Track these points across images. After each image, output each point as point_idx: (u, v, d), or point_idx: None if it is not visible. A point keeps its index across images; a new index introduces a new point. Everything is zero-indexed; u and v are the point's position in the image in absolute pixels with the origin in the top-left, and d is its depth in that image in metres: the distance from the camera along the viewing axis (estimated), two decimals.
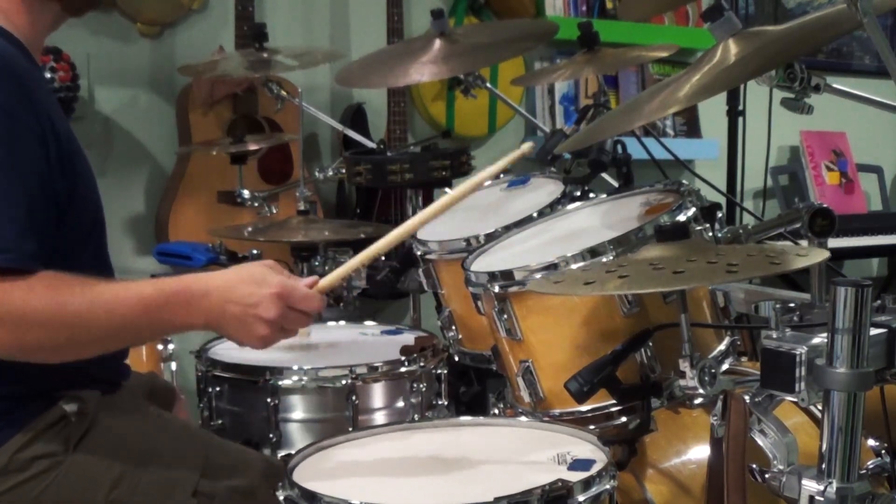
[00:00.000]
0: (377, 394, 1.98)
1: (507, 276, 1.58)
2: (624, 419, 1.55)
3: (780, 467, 1.28)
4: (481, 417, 1.68)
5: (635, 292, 1.48)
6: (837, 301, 1.13)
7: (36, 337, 1.36)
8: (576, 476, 1.32)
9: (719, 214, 1.63)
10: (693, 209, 1.59)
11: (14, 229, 1.36)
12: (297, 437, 1.93)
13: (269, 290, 1.41)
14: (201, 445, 1.62)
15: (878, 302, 1.30)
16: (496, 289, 1.59)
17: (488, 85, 2.56)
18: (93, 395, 1.54)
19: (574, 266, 1.52)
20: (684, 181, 1.76)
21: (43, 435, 1.49)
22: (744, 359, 1.78)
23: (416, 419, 1.96)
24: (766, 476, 1.28)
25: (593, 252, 1.52)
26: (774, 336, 1.21)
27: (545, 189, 2.01)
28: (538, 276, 1.54)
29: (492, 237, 1.83)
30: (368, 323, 2.39)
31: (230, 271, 1.47)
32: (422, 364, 2.00)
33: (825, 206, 1.67)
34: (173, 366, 2.38)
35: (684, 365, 1.38)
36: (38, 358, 1.41)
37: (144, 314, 1.41)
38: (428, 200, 2.49)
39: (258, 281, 1.42)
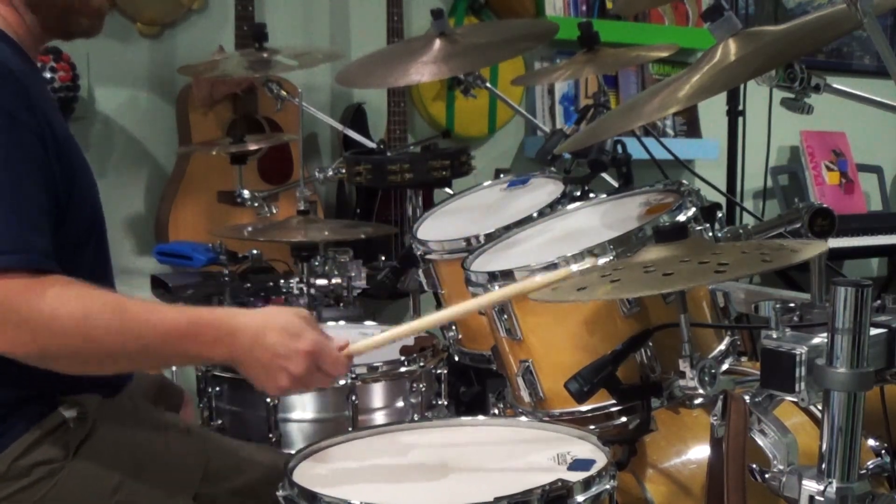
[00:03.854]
0: (377, 394, 1.98)
1: (507, 276, 1.58)
2: (624, 419, 1.55)
3: (780, 467, 1.28)
4: (481, 417, 1.68)
5: (623, 297, 1.48)
6: (837, 301, 1.13)
7: (55, 345, 1.34)
8: (576, 476, 1.32)
9: (719, 214, 1.63)
10: (693, 209, 1.58)
11: (27, 229, 1.35)
12: (297, 437, 1.93)
13: (302, 346, 1.39)
14: (202, 447, 1.61)
15: (878, 302, 1.30)
16: (496, 289, 1.59)
17: (488, 85, 2.56)
18: (92, 399, 1.54)
19: (574, 266, 1.51)
20: (684, 181, 1.76)
21: (43, 441, 1.48)
22: (744, 359, 1.78)
23: (416, 419, 1.96)
24: (766, 476, 1.28)
25: (593, 252, 1.52)
26: (774, 336, 1.21)
27: (545, 189, 2.01)
28: (538, 276, 1.54)
29: (492, 237, 1.82)
30: (368, 323, 2.39)
31: (265, 314, 1.44)
32: (421, 364, 2.00)
33: (825, 206, 1.67)
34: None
35: (684, 365, 1.38)
36: (56, 366, 1.39)
37: (170, 342, 1.39)
38: (428, 200, 2.49)
39: (293, 334, 1.40)
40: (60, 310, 1.33)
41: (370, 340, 1.51)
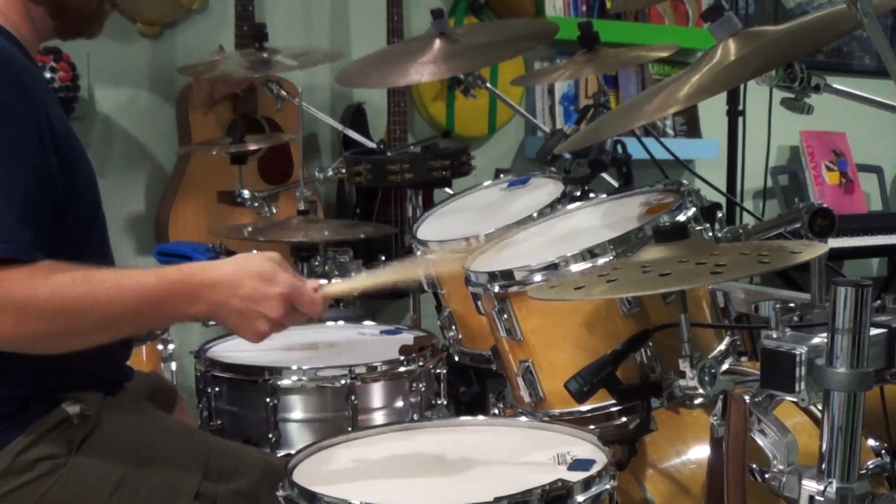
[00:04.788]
0: (376, 394, 1.98)
1: (507, 276, 1.58)
2: (624, 419, 1.55)
3: (780, 467, 1.28)
4: (481, 417, 1.68)
5: (620, 296, 1.48)
6: (837, 301, 1.13)
7: (36, 326, 1.35)
8: (576, 476, 1.32)
9: (719, 214, 1.63)
10: (693, 209, 1.58)
11: (12, 219, 1.36)
12: (297, 437, 1.93)
13: (277, 289, 1.41)
14: (203, 447, 1.61)
15: (878, 302, 1.30)
16: (496, 289, 1.59)
17: (488, 85, 2.56)
18: (95, 396, 1.54)
19: (574, 266, 1.51)
20: (684, 181, 1.76)
21: (45, 437, 1.48)
22: (744, 359, 1.78)
23: (416, 419, 1.96)
24: (766, 476, 1.28)
25: (593, 252, 1.52)
26: (774, 336, 1.21)
27: (545, 189, 2.01)
28: (538, 276, 1.54)
29: (492, 237, 1.82)
30: (368, 323, 2.39)
31: (237, 262, 1.45)
32: (421, 364, 2.00)
33: (825, 206, 1.67)
34: (173, 366, 2.39)
35: (684, 365, 1.38)
36: (38, 348, 1.40)
37: (146, 304, 1.41)
38: (428, 200, 2.49)
39: (267, 278, 1.42)
40: (32, 288, 1.34)
41: (345, 283, 1.55)
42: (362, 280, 1.53)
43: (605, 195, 1.88)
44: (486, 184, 2.19)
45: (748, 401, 1.35)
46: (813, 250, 1.30)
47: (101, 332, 1.43)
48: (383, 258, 2.63)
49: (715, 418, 1.36)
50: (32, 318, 1.35)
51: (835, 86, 1.44)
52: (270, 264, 1.44)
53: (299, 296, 1.43)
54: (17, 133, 1.39)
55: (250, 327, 1.43)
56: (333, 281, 1.53)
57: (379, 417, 1.98)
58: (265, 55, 2.62)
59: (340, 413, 1.92)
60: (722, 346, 1.60)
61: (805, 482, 1.20)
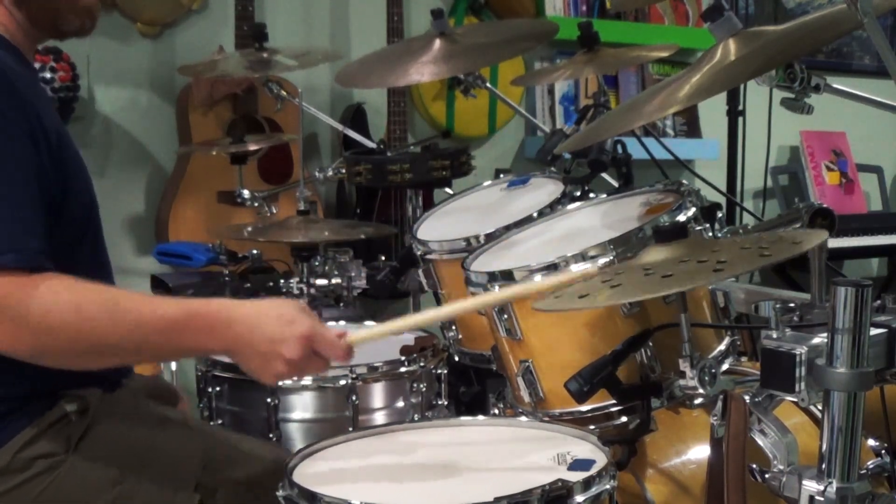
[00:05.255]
0: (377, 394, 1.98)
1: (507, 276, 1.58)
2: (624, 419, 1.55)
3: (780, 467, 1.28)
4: (481, 417, 1.68)
5: (624, 301, 1.47)
6: (837, 301, 1.13)
7: (54, 340, 1.35)
8: (576, 476, 1.32)
9: (719, 214, 1.63)
10: (693, 209, 1.58)
11: (20, 227, 1.36)
12: (297, 436, 1.93)
13: (297, 330, 1.39)
14: (201, 439, 1.62)
15: (878, 302, 1.30)
16: (496, 289, 1.59)
17: (488, 85, 2.56)
18: (93, 393, 1.55)
19: (574, 267, 1.51)
20: (684, 181, 1.76)
21: (44, 434, 1.49)
22: (744, 359, 1.78)
23: (416, 419, 1.96)
24: (766, 476, 1.28)
25: (593, 253, 1.52)
26: (774, 336, 1.21)
27: (545, 189, 2.01)
28: (538, 276, 1.54)
29: (492, 237, 1.83)
30: (368, 323, 2.39)
31: (260, 305, 1.44)
32: (422, 364, 2.00)
33: (825, 205, 1.67)
34: (173, 365, 2.39)
35: (684, 365, 1.38)
36: (54, 362, 1.40)
37: (166, 334, 1.40)
38: (428, 200, 2.49)
39: (288, 321, 1.40)
40: (53, 305, 1.34)
41: (369, 331, 1.52)
42: (387, 326, 1.53)
43: (605, 195, 1.88)
44: (486, 184, 2.19)
45: (748, 401, 1.35)
46: (813, 239, 1.30)
47: (115, 355, 1.44)
48: (383, 258, 2.63)
49: (715, 418, 1.36)
50: (48, 332, 1.34)
51: (835, 86, 1.44)
52: (292, 308, 1.43)
53: (320, 339, 1.41)
54: (13, 139, 1.39)
55: (268, 368, 1.40)
56: (360, 328, 1.52)
57: (380, 417, 1.98)
58: (265, 55, 2.62)
59: (341, 413, 1.92)
60: (722, 346, 1.60)
61: (805, 482, 1.20)
